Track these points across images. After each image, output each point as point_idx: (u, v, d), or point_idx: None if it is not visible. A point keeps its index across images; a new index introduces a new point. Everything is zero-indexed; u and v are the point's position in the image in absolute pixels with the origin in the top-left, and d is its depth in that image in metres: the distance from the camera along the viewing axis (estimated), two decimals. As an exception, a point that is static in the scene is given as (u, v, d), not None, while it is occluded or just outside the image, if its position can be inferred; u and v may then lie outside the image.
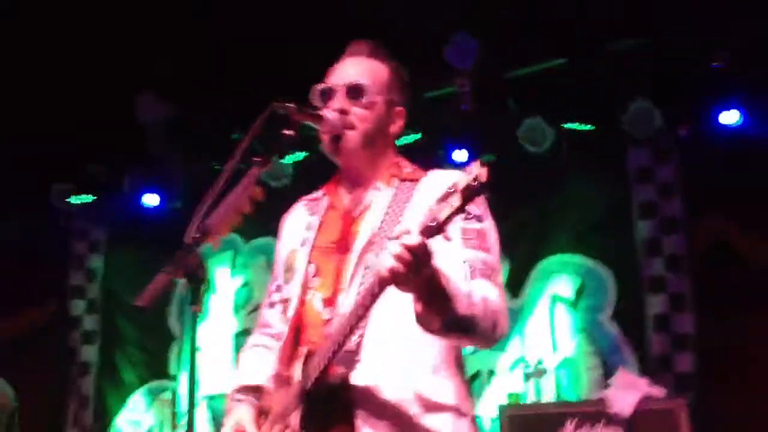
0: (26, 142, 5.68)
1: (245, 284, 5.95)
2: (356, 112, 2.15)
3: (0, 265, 6.40)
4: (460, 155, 5.01)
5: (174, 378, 5.91)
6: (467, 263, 2.00)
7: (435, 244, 1.76)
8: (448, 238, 1.77)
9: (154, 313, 5.83)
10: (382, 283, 1.80)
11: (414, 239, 1.72)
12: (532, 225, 5.19)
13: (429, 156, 5.04)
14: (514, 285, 5.12)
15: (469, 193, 1.67)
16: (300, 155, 5.46)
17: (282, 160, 5.54)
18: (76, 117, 5.59)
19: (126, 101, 5.62)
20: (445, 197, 1.71)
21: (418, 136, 5.08)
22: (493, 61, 4.99)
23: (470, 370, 5.12)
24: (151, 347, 6.04)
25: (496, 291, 2.00)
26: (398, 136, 2.28)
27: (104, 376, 6.14)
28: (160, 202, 5.88)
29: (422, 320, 1.86)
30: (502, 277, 2.09)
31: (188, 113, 5.63)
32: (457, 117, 5.08)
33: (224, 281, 6.01)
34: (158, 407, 5.93)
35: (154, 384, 6.00)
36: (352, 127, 2.14)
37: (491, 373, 5.09)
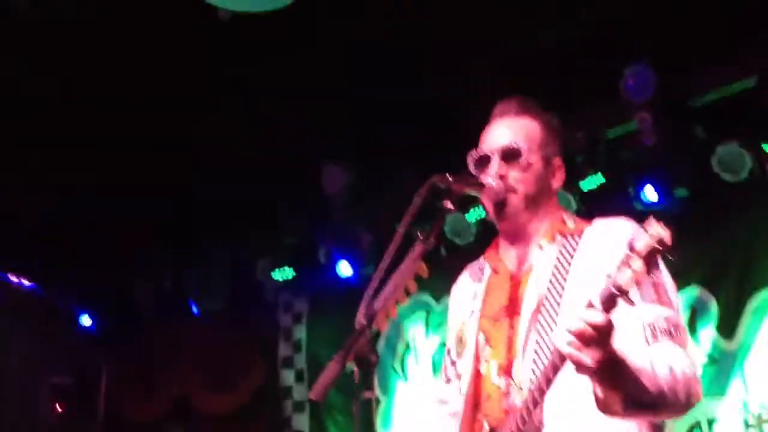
0: (224, 221, 6.10)
1: (442, 345, 5.95)
2: (514, 176, 2.12)
3: (215, 340, 6.86)
4: (650, 193, 4.78)
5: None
6: (647, 324, 1.89)
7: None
8: (631, 303, 1.68)
9: (367, 415, 5.95)
10: (563, 359, 1.73)
11: (596, 316, 1.64)
12: (736, 259, 4.80)
13: (616, 198, 4.86)
14: (726, 326, 4.74)
15: (652, 258, 1.59)
16: (482, 211, 5.42)
17: (465, 215, 5.55)
18: (269, 188, 5.93)
19: (313, 173, 5.90)
20: (625, 261, 1.62)
21: (602, 180, 4.90)
22: (674, 90, 4.76)
23: (688, 421, 4.77)
24: (357, 413, 6.15)
25: (683, 352, 1.87)
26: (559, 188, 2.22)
27: (316, 446, 6.32)
28: (353, 269, 6.08)
29: (603, 404, 1.76)
30: (686, 333, 1.95)
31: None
32: (641, 153, 4.86)
33: (420, 341, 6.05)
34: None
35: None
36: (513, 191, 2.11)
37: (711, 421, 4.71)
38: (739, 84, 4.66)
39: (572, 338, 1.66)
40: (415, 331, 6.11)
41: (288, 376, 6.60)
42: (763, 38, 4.40)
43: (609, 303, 1.64)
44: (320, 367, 6.05)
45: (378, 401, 6.11)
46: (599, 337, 1.65)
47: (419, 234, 1.91)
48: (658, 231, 1.58)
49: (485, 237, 5.28)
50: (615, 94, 4.77)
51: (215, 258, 6.79)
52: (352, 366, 1.66)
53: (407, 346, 6.14)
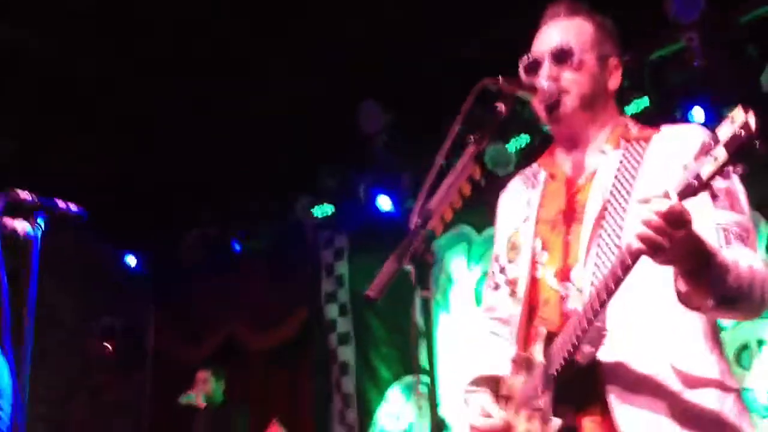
0: (262, 159, 6.11)
1: (484, 275, 5.94)
2: (567, 77, 2.04)
3: (261, 278, 6.93)
4: (698, 115, 4.67)
5: (427, 372, 6.01)
6: (720, 227, 1.83)
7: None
8: (712, 197, 1.61)
9: (401, 310, 6.00)
10: (633, 255, 1.67)
11: (664, 204, 1.57)
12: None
13: (663, 121, 4.73)
14: (776, 248, 4.67)
15: (736, 145, 1.47)
16: (523, 140, 5.36)
17: (506, 146, 5.48)
18: (306, 129, 5.91)
19: (349, 110, 5.86)
20: (704, 151, 1.53)
21: (647, 103, 4.80)
22: (723, 7, 4.59)
23: (736, 342, 4.73)
24: (401, 344, 6.21)
25: (757, 256, 1.83)
26: (617, 90, 2.13)
27: (363, 374, 6.40)
28: (393, 204, 6.06)
29: (688, 298, 1.72)
30: (756, 239, 1.90)
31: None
32: (689, 74, 4.73)
33: (462, 273, 6.05)
34: (416, 400, 6.09)
35: (409, 378, 6.16)
36: (566, 92, 2.04)
37: (761, 342, 4.67)
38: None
39: (648, 222, 1.60)
40: (456, 263, 6.11)
41: (332, 310, 6.67)
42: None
43: (685, 195, 1.57)
44: (362, 301, 6.10)
45: (422, 333, 6.13)
46: (676, 222, 1.59)
47: (471, 136, 1.87)
48: (740, 117, 1.49)
49: (527, 165, 5.22)
50: (660, 14, 4.63)
51: (255, 198, 6.82)
52: (407, 266, 1.63)
53: (449, 279, 6.15)
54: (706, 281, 1.69)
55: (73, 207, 2.52)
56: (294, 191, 6.57)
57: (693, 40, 4.59)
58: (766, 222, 4.70)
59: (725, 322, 4.40)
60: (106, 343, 7.46)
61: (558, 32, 2.09)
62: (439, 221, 1.72)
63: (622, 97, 4.80)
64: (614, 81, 2.10)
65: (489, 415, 2.08)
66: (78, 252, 6.91)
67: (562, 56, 2.05)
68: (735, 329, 4.71)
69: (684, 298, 1.74)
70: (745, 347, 4.71)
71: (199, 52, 5.35)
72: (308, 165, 6.35)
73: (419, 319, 1.61)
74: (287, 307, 6.83)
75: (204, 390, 6.28)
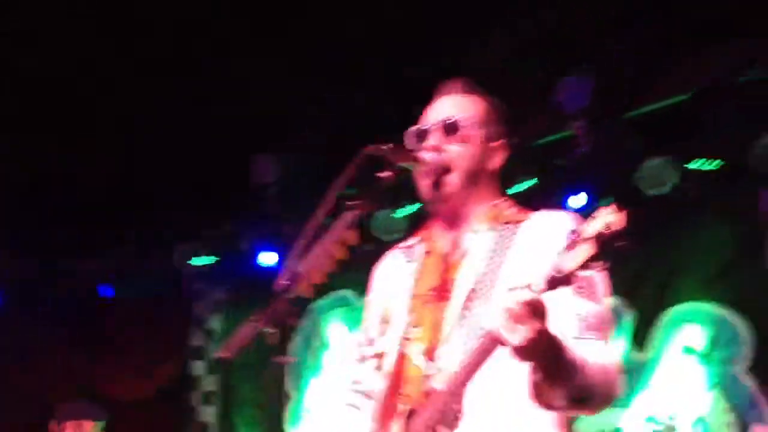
0: (148, 203, 5.92)
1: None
2: (452, 150, 2.05)
3: (128, 327, 6.63)
4: (577, 200, 4.84)
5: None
6: (578, 317, 1.85)
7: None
8: (579, 291, 1.66)
9: (271, 373, 5.85)
10: (492, 341, 1.68)
11: (528, 295, 1.60)
12: (656, 272, 4.90)
13: (545, 203, 4.89)
14: (639, 337, 4.83)
15: (600, 243, 1.52)
16: (412, 208, 5.41)
17: (394, 214, 5.51)
18: (194, 179, 5.79)
19: (241, 162, 5.78)
20: (569, 245, 1.56)
21: (534, 181, 4.94)
22: (610, 101, 4.83)
23: (592, 430, 4.83)
24: (267, 407, 6.03)
25: (608, 348, 1.86)
26: (501, 171, 2.16)
27: (223, 436, 6.18)
28: (278, 260, 5.95)
29: (539, 394, 1.73)
30: (612, 332, 1.93)
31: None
32: (573, 161, 4.92)
33: (339, 338, 5.97)
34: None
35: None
36: (449, 168, 2.04)
37: (615, 431, 4.79)
38: (672, 99, 4.74)
39: (504, 315, 1.61)
40: (333, 327, 6.03)
41: (198, 367, 6.44)
42: (699, 56, 4.49)
43: (548, 287, 1.60)
44: (233, 359, 5.92)
45: (288, 397, 6.00)
46: (533, 315, 1.61)
47: (350, 202, 1.84)
48: (606, 215, 1.53)
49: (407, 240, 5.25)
50: (552, 101, 4.82)
51: (132, 242, 6.57)
52: (267, 329, 1.56)
53: (323, 343, 6.05)
54: (556, 379, 1.70)
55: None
56: (175, 238, 6.37)
57: (580, 129, 4.78)
58: (630, 311, 4.86)
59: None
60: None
61: (450, 105, 2.11)
62: (308, 285, 1.66)
63: (509, 177, 4.99)
64: (497, 161, 2.12)
65: None
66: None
67: (449, 128, 2.06)
68: (591, 417, 4.79)
69: (535, 395, 1.74)
70: (600, 434, 4.82)
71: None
72: (193, 212, 6.18)
73: (275, 383, 1.53)
74: (155, 359, 6.55)
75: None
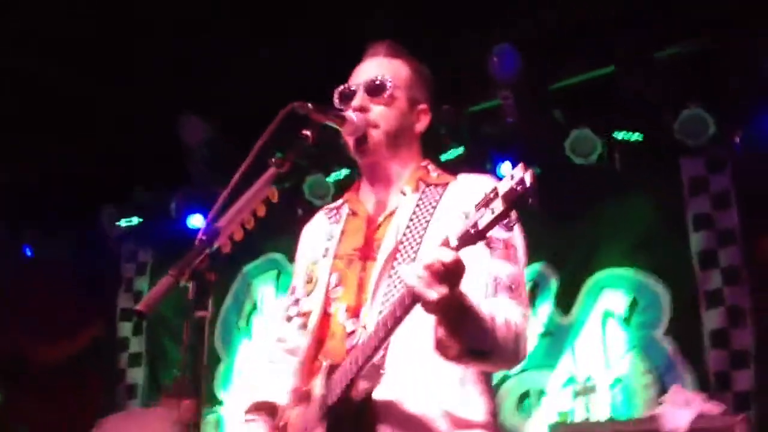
0: (74, 165, 5.77)
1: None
2: (377, 110, 2.09)
3: (52, 287, 6.49)
4: (505, 168, 4.91)
5: (220, 402, 5.86)
6: (492, 276, 1.90)
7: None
8: (490, 247, 1.69)
9: (199, 335, 5.82)
10: (411, 297, 1.70)
11: (448, 255, 1.62)
12: (581, 239, 5.04)
13: (474, 170, 4.94)
14: (564, 301, 4.97)
15: (513, 199, 1.55)
16: (342, 173, 5.41)
17: (326, 179, 5.51)
18: (122, 140, 5.66)
19: (169, 124, 5.67)
20: (485, 202, 1.59)
21: (462, 150, 5.00)
22: (537, 73, 4.88)
23: (518, 390, 4.96)
24: (194, 367, 6.00)
25: (520, 310, 1.90)
26: (425, 136, 2.19)
27: (150, 398, 6.12)
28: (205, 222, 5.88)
29: (441, 346, 1.76)
30: (525, 292, 1.98)
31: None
32: (502, 130, 4.98)
33: (269, 301, 5.97)
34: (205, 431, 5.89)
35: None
36: (375, 126, 2.07)
37: (541, 393, 4.92)
38: (597, 72, 4.83)
39: (422, 272, 1.64)
40: (264, 290, 6.02)
41: (126, 328, 6.36)
42: (621, 31, 4.57)
43: (464, 243, 1.62)
44: (160, 320, 5.84)
45: (219, 360, 5.99)
46: (448, 274, 1.64)
47: (272, 159, 1.84)
48: (519, 173, 1.56)
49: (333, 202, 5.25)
50: (482, 70, 4.85)
51: (58, 202, 6.41)
52: (185, 282, 1.56)
53: (254, 306, 6.05)
54: (459, 333, 1.73)
55: None
56: (104, 200, 6.24)
57: (508, 99, 4.83)
58: (556, 276, 4.99)
59: (513, 369, 4.63)
60: None
61: (375, 67, 2.14)
62: (228, 239, 1.66)
63: (439, 145, 5.03)
64: (421, 125, 2.16)
65: None
66: None
67: (375, 89, 2.09)
68: (519, 377, 4.94)
69: (439, 348, 1.77)
70: (526, 395, 4.95)
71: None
72: (120, 174, 6.06)
73: (192, 338, 1.53)
74: (79, 321, 6.44)
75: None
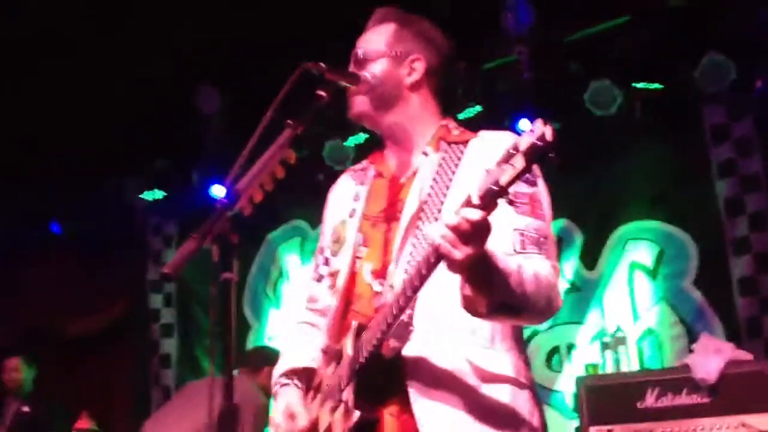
0: (94, 140, 5.81)
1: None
2: (364, 76, 2.10)
3: (80, 262, 6.58)
4: (524, 125, 4.87)
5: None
6: (518, 231, 1.89)
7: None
8: (512, 203, 1.67)
9: (226, 297, 5.86)
10: (436, 255, 1.70)
11: (473, 213, 1.61)
12: (605, 193, 5.00)
13: (492, 128, 4.90)
14: (589, 256, 4.96)
15: (533, 154, 1.53)
16: (361, 137, 5.40)
17: (345, 144, 5.51)
18: (143, 113, 5.68)
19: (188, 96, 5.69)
20: (506, 158, 1.57)
21: (479, 108, 4.96)
22: (552, 26, 4.82)
23: (548, 345, 4.98)
24: (220, 332, 6.06)
25: (548, 263, 1.89)
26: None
27: (185, 367, 6.22)
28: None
29: (469, 303, 1.76)
30: (554, 246, 1.97)
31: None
32: (518, 86, 4.93)
33: (295, 268, 6.01)
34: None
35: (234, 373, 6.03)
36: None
37: (571, 347, 4.93)
38: (613, 22, 4.75)
39: (447, 231, 1.63)
40: (289, 257, 6.06)
41: (157, 300, 6.44)
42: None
43: (487, 200, 1.61)
44: (190, 291, 5.89)
45: (249, 327, 6.06)
46: (474, 233, 1.63)
47: (289, 120, 1.84)
48: (539, 128, 1.55)
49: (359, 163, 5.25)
50: (496, 26, 4.80)
51: (82, 177, 6.46)
52: (208, 246, 1.57)
53: (281, 273, 6.09)
54: (487, 290, 1.73)
55: None
56: (126, 173, 6.29)
57: (522, 54, 4.78)
58: (580, 231, 4.98)
59: (541, 325, 4.64)
60: None
61: (363, 39, 2.17)
62: (248, 202, 1.67)
63: (455, 104, 4.98)
64: (413, 77, 2.12)
65: (293, 416, 2.05)
66: None
67: (359, 62, 2.11)
68: (547, 333, 4.95)
69: (466, 305, 1.77)
70: (555, 351, 4.96)
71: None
72: (143, 147, 6.09)
73: (220, 301, 1.55)
74: (108, 294, 6.53)
75: (13, 378, 5.90)
